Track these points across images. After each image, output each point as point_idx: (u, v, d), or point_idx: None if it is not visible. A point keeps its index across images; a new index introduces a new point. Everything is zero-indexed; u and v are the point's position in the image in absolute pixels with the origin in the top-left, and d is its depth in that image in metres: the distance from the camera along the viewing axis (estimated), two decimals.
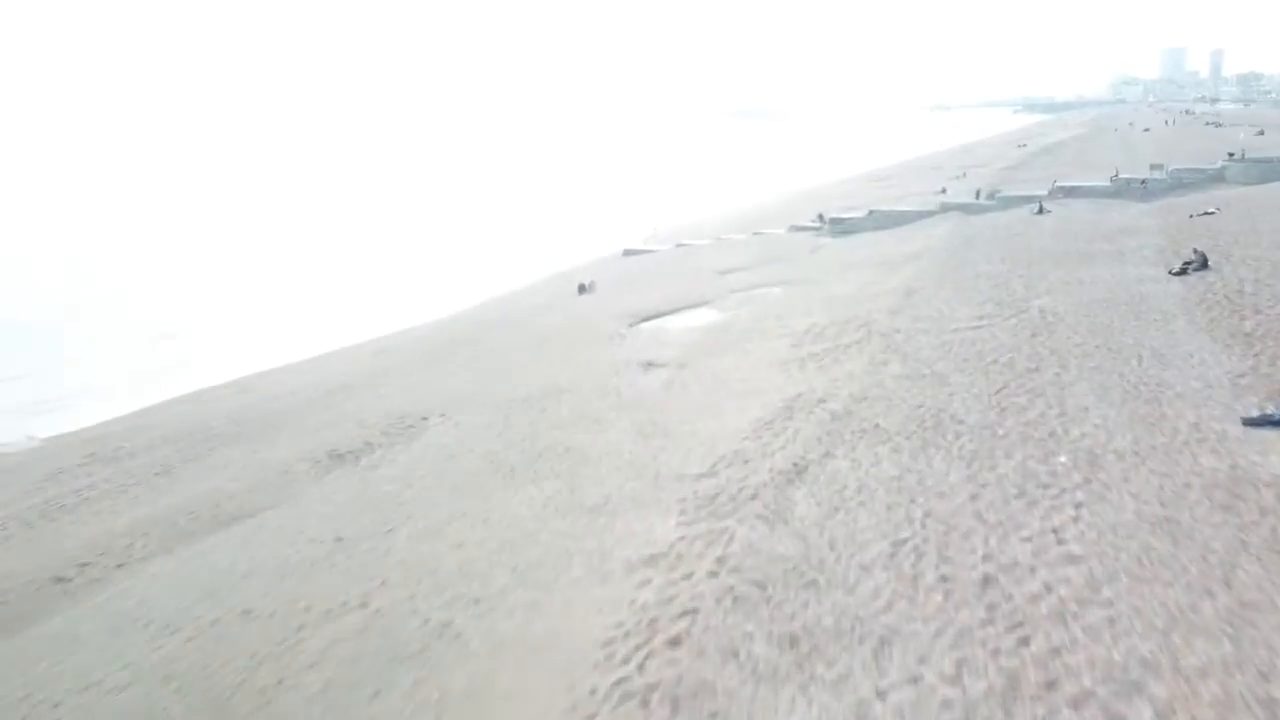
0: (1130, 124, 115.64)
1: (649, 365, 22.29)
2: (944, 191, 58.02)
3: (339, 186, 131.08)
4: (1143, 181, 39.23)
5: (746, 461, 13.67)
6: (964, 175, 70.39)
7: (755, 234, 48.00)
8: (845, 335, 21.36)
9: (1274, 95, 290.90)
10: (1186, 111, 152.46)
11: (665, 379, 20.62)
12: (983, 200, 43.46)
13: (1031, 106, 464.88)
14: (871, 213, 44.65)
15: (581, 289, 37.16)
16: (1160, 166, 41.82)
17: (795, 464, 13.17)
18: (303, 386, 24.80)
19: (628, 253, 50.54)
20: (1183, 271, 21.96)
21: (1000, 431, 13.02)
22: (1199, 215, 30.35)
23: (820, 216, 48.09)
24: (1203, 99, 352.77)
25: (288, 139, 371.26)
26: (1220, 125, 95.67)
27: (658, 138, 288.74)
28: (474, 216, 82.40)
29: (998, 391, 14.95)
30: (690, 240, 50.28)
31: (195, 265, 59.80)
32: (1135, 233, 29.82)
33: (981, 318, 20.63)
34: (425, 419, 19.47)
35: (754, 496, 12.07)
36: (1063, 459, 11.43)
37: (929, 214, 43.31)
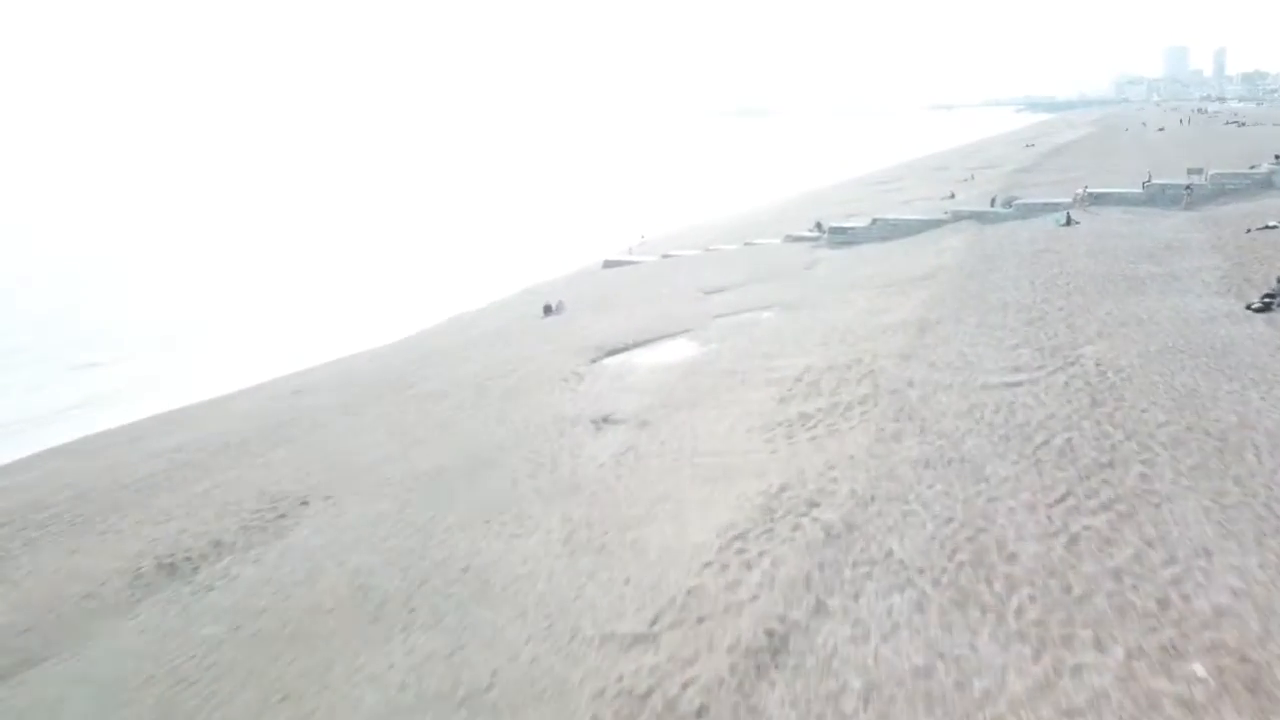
0: (1143, 124, 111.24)
1: (603, 422, 17.99)
2: (952, 196, 53.78)
3: (319, 188, 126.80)
4: (1187, 188, 34.83)
5: (701, 620, 9.38)
6: (972, 178, 66.09)
7: (747, 244, 43.69)
8: (845, 388, 17.04)
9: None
10: (1199, 110, 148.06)
11: (619, 445, 16.31)
12: (999, 208, 39.12)
13: (1034, 106, 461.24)
14: (875, 221, 40.30)
15: (548, 310, 32.86)
16: (1199, 171, 37.47)
17: (771, 631, 8.87)
18: (191, 442, 20.48)
19: (608, 264, 46.24)
20: (1266, 307, 17.63)
21: (1076, 588, 8.71)
22: (1259, 230, 25.99)
23: (818, 225, 43.75)
24: (1208, 98, 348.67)
25: (269, 137, 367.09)
26: (1243, 124, 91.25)
27: (653, 138, 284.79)
28: (457, 221, 78.11)
29: (1059, 502, 10.64)
30: (677, 251, 45.96)
31: (143, 276, 55.49)
32: (1185, 251, 25.51)
33: (1018, 369, 16.30)
34: (305, 503, 15.16)
35: (701, 713, 7.74)
36: (1197, 669, 7.07)
37: (939, 223, 38.96)
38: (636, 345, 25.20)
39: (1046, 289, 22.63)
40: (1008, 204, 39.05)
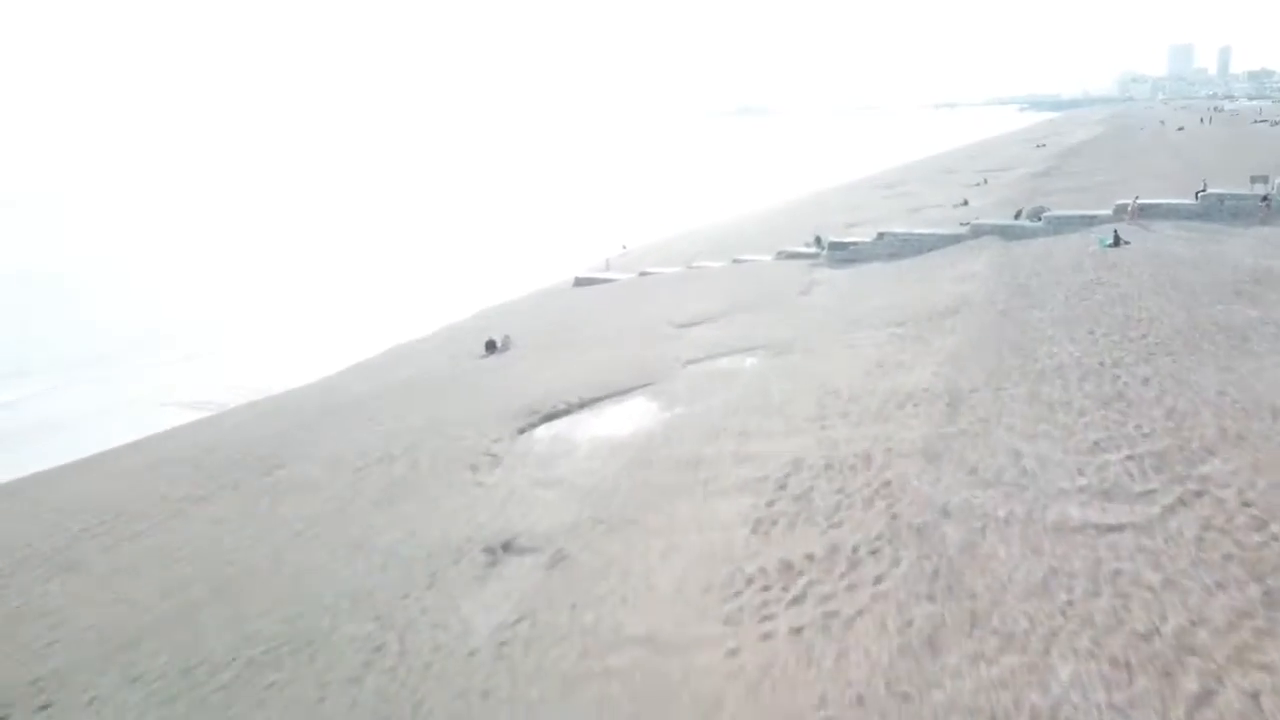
0: (1161, 122, 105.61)
1: (502, 551, 12.58)
2: (965, 204, 48.33)
3: (299, 191, 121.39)
4: (1264, 199, 29.22)
5: None
6: (985, 182, 60.59)
7: (735, 261, 38.18)
8: (849, 513, 11.58)
9: None
10: (1215, 109, 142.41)
11: (510, 611, 10.87)
12: (1026, 221, 33.60)
13: (1038, 104, 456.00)
14: (882, 236, 34.81)
15: (490, 347, 27.40)
16: (1264, 179, 31.88)
17: None
18: None
19: (580, 282, 40.79)
20: None
21: None
22: None
23: (816, 239, 38.26)
24: (1215, 96, 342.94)
25: (252, 137, 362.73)
26: (1277, 123, 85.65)
27: (649, 139, 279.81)
28: (437, 228, 72.71)
29: None
30: (656, 268, 40.49)
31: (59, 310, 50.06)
32: None
33: (1108, 494, 10.81)
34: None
35: None
36: None
37: (956, 239, 33.47)
38: (582, 406, 19.73)
39: (1114, 342, 17.13)
40: (1036, 216, 33.53)
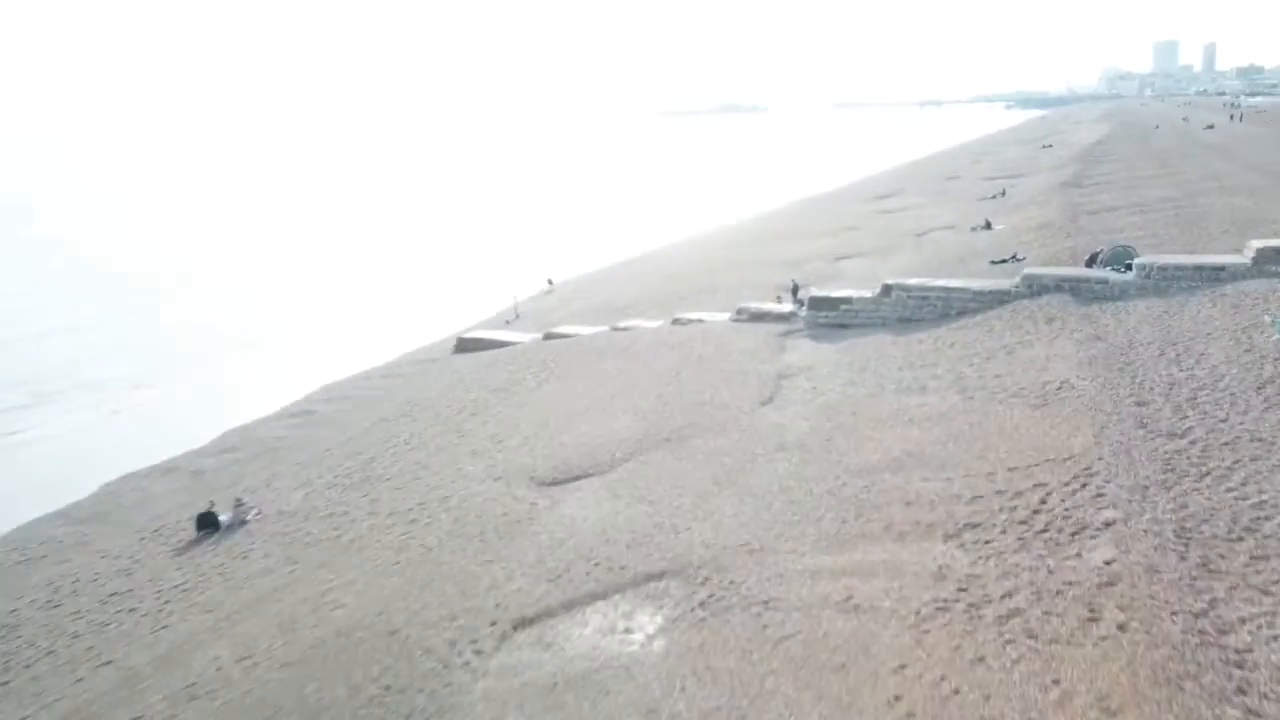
0: (1185, 120, 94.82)
1: None
2: (989, 227, 37.07)
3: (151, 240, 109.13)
4: None
5: None
6: (1003, 194, 49.32)
7: (676, 322, 26.57)
8: None
9: None
10: (1233, 104, 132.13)
11: None
12: (1107, 271, 22.16)
13: (1025, 102, 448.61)
14: (889, 290, 23.37)
15: (206, 525, 15.59)
16: None
17: None
18: None
19: (463, 346, 29.18)
20: None
21: None
22: None
23: (793, 289, 26.77)
24: (1205, 92, 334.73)
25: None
26: None
27: (619, 141, 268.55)
28: (342, 260, 60.80)
29: None
30: (570, 327, 28.89)
31: None
32: None
33: None
34: None
35: None
36: None
37: (1001, 296, 22.10)
38: None
39: None
40: (1122, 264, 22.08)
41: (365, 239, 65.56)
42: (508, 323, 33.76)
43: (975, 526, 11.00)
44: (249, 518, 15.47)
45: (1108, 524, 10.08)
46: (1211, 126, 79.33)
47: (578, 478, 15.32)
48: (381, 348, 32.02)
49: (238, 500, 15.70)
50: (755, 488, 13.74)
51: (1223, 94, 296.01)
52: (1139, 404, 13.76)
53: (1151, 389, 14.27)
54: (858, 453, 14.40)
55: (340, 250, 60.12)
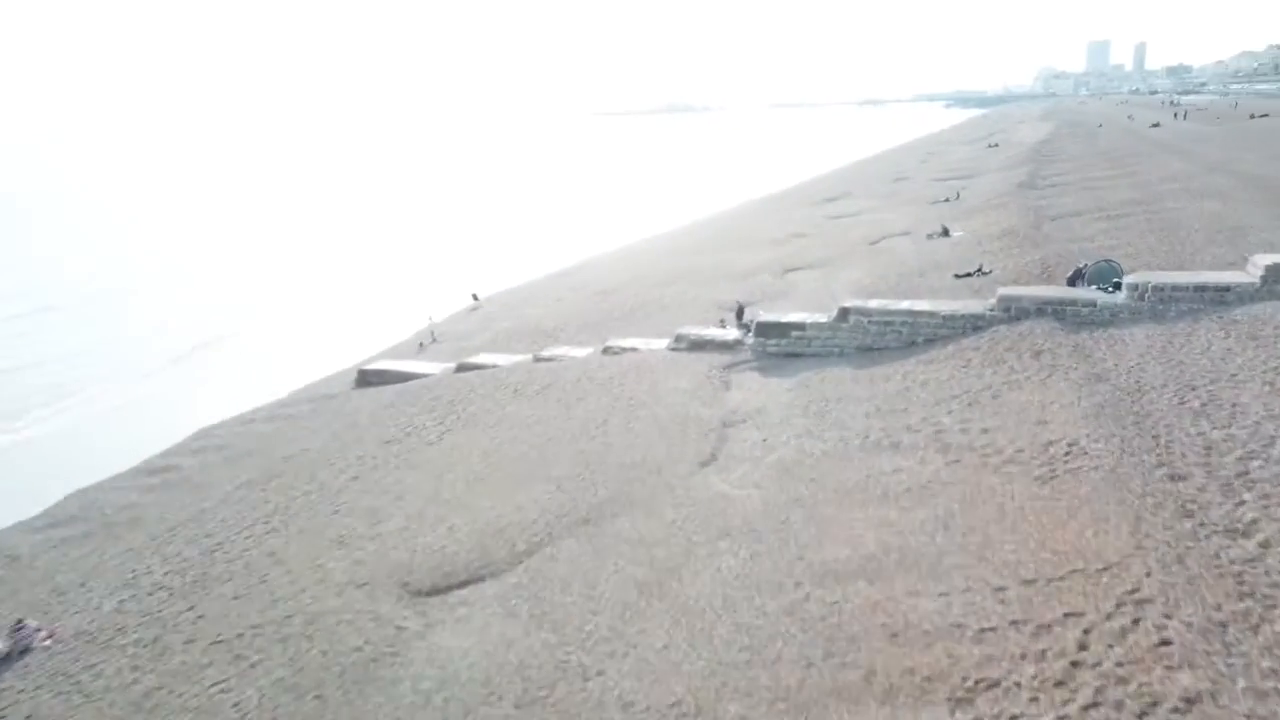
0: (1129, 118, 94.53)
1: None
2: (946, 234, 34.48)
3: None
4: None
5: None
6: (957, 197, 47.00)
7: (607, 352, 23.26)
8: None
9: (1211, 86, 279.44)
10: (1173, 102, 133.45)
11: None
12: (1093, 290, 19.46)
13: (964, 101, 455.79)
14: (847, 315, 20.36)
15: None
16: None
17: None
18: None
19: (364, 379, 25.50)
20: None
21: None
22: None
23: (738, 313, 23.64)
24: (1137, 91, 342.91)
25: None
26: (1266, 116, 74.65)
27: (563, 141, 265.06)
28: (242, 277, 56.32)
29: None
30: (487, 357, 25.46)
31: None
32: None
33: None
34: None
35: None
36: None
37: (976, 321, 19.22)
38: None
39: None
40: (1108, 281, 19.38)
41: (281, 250, 60.97)
42: (422, 346, 30.18)
43: (991, 686, 7.87)
44: (35, 644, 11.72)
45: (1189, 701, 7.00)
46: (1157, 125, 78.69)
47: (465, 583, 11.89)
48: (288, 375, 28.24)
49: (18, 623, 11.93)
50: (692, 601, 10.48)
51: (1155, 92, 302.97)
52: (1173, 478, 10.83)
53: (1184, 455, 11.35)
54: (821, 544, 11.25)
55: (252, 263, 55.55)
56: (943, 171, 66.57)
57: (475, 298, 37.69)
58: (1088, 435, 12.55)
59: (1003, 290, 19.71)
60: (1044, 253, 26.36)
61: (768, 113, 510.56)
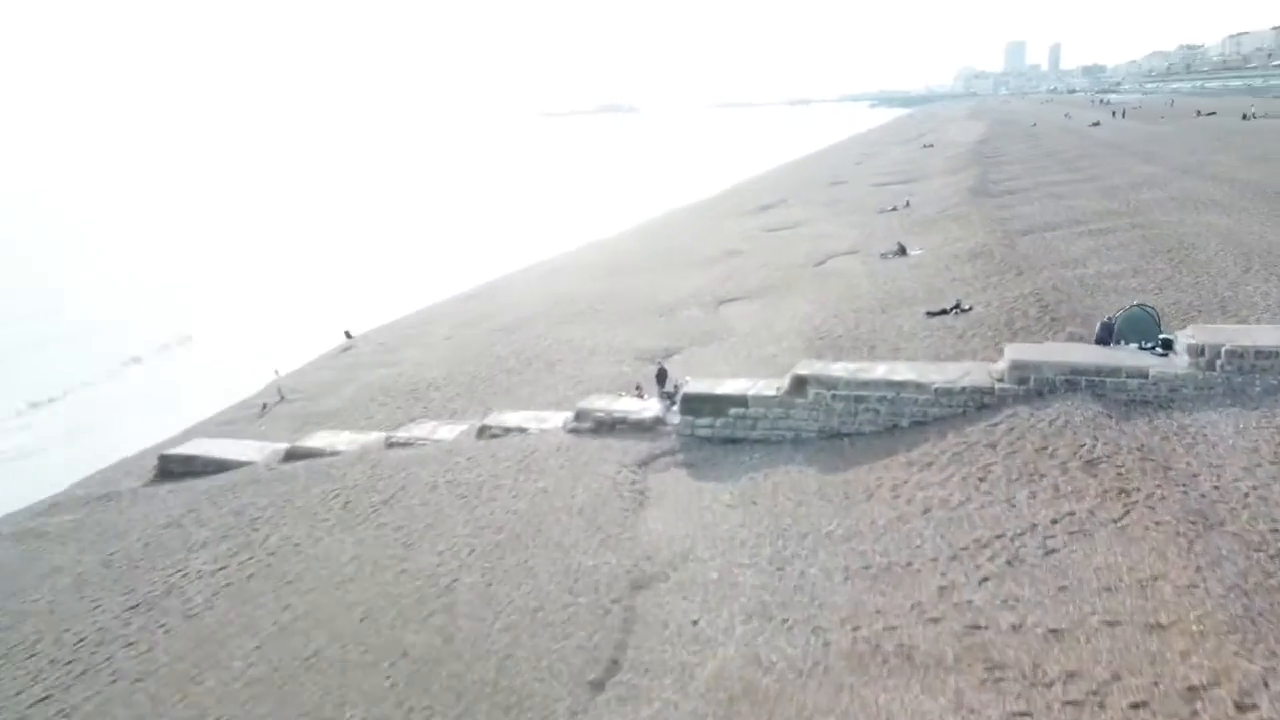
0: (1066, 115, 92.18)
1: None
2: (903, 252, 29.53)
3: None
4: None
5: None
6: (907, 205, 42.26)
7: (485, 432, 17.29)
8: None
9: (1126, 85, 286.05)
10: (1103, 100, 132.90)
11: None
12: (1137, 353, 14.20)
13: (889, 100, 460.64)
14: (804, 387, 14.81)
15: None
16: None
17: None
18: None
19: (164, 471, 19.07)
20: None
21: None
22: None
23: (659, 377, 17.85)
24: (1055, 90, 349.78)
25: None
26: (1214, 114, 72.30)
27: (488, 144, 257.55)
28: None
29: None
30: (331, 436, 19.27)
31: None
32: None
33: None
34: None
35: None
36: None
37: (977, 397, 13.90)
38: None
39: None
40: (1152, 339, 14.18)
41: (167, 276, 53.16)
42: (265, 408, 23.75)
43: None
44: None
45: None
46: (1098, 124, 75.97)
47: None
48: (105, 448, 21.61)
49: None
50: None
51: (1074, 91, 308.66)
52: None
53: None
54: None
55: (138, 289, 47.80)
56: (882, 175, 62.23)
57: (348, 335, 31.29)
58: (1242, 664, 7.11)
59: (1013, 353, 14.37)
60: (1036, 284, 21.29)
61: (700, 112, 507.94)
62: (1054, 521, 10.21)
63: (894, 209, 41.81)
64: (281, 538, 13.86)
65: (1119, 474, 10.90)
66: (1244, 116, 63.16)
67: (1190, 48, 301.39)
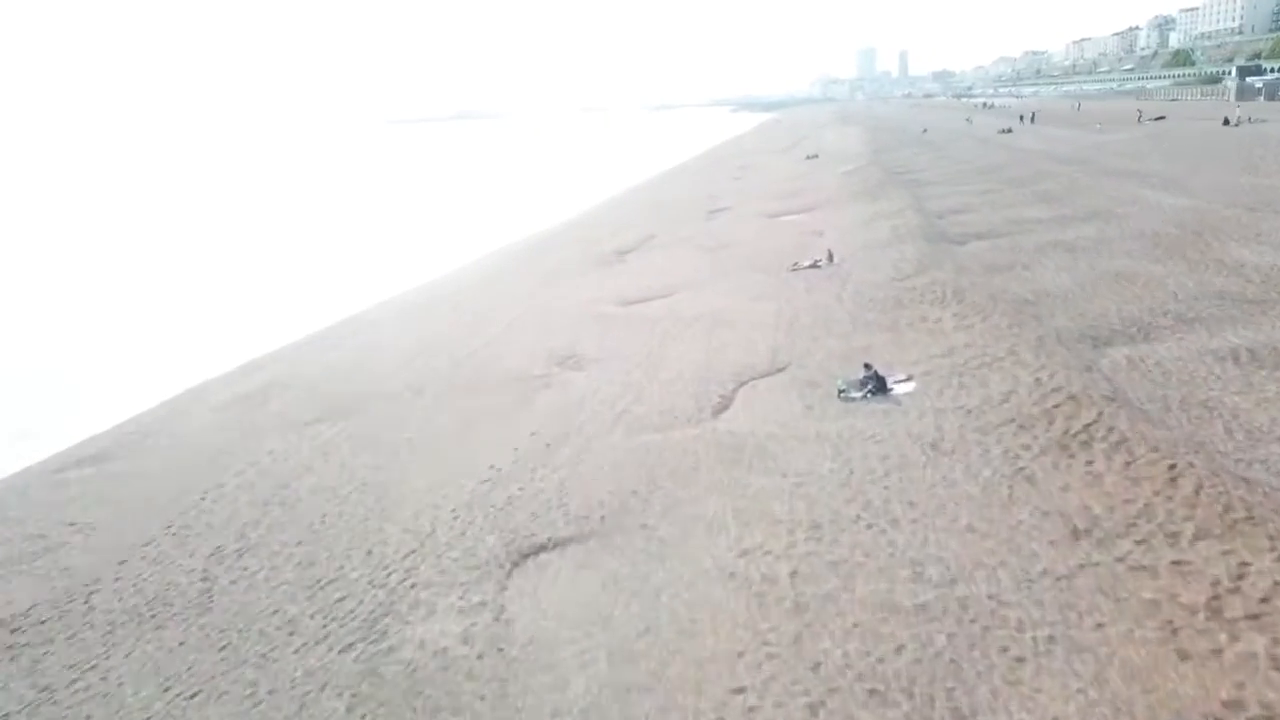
0: (967, 120, 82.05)
1: None
2: (880, 387, 14.62)
3: None
4: None
5: None
6: (831, 260, 28.17)
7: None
8: None
9: (976, 89, 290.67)
10: (986, 105, 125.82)
11: None
12: None
13: (750, 105, 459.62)
14: None
15: None
16: None
17: None
18: None
19: None
20: None
21: None
22: None
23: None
24: (909, 95, 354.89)
25: None
26: (1164, 118, 62.60)
27: (331, 153, 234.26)
28: None
29: None
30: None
31: None
32: None
33: None
34: None
35: None
36: None
37: None
38: None
39: None
40: None
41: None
42: None
43: None
44: None
45: None
46: (1009, 130, 65.40)
47: None
48: None
49: None
50: None
51: (931, 95, 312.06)
52: None
53: None
54: None
55: None
56: (773, 198, 48.53)
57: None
58: None
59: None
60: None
61: (565, 118, 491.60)
62: None
63: (814, 264, 27.72)
64: None
65: None
66: (1226, 122, 53.22)
67: (1036, 53, 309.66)
